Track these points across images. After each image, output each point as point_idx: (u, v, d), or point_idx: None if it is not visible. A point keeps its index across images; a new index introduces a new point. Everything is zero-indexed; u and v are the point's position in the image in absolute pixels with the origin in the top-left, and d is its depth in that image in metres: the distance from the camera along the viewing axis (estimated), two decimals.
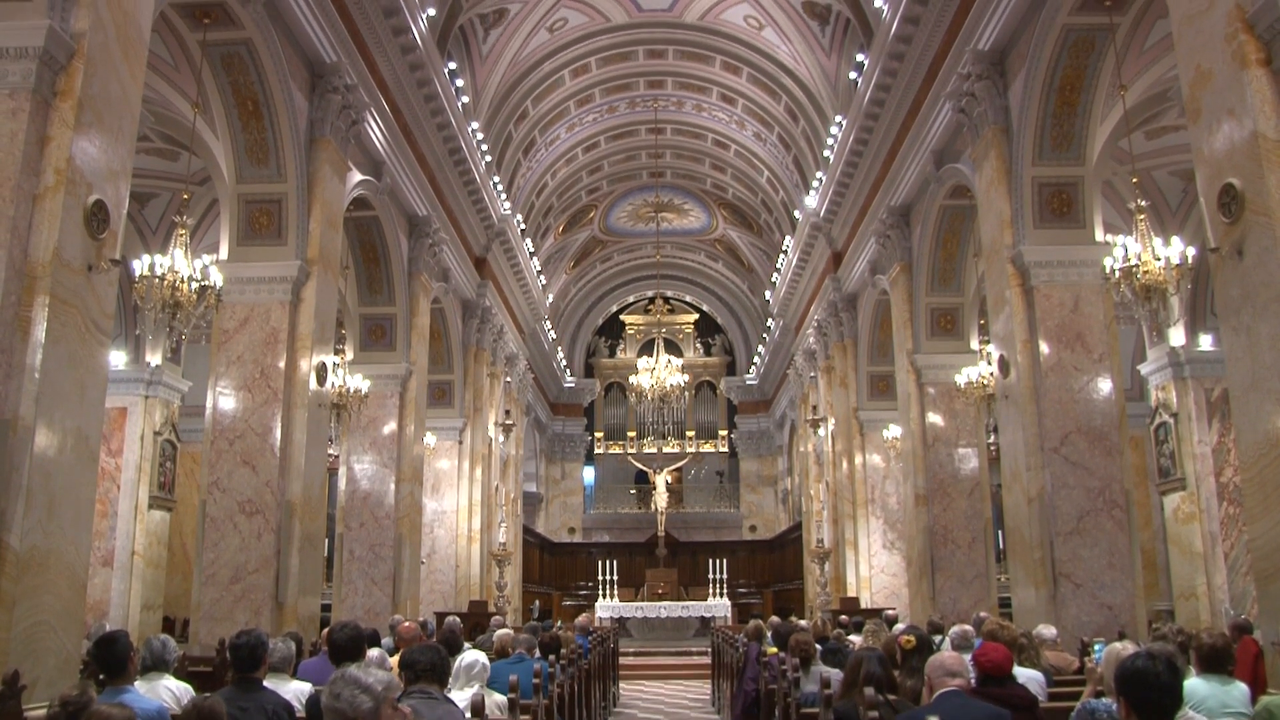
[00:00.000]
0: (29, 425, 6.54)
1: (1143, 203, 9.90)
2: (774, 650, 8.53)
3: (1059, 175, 12.07)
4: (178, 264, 9.28)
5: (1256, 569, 7.40)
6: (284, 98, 11.60)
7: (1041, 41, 11.26)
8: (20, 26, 6.97)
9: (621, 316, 39.81)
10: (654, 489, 29.52)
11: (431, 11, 15.81)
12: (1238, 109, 7.19)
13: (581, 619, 13.80)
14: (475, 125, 19.34)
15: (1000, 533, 17.41)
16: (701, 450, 37.28)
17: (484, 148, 19.90)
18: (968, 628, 7.81)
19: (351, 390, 14.53)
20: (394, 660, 7.06)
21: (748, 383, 38.56)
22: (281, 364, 11.62)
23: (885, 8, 15.13)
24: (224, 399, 11.56)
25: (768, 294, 30.18)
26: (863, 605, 18.77)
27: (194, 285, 9.36)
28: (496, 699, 5.79)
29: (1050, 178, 12.08)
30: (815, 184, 21.63)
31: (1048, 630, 8.24)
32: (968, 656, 5.46)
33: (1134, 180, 10.58)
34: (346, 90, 12.86)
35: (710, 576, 25.60)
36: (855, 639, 10.18)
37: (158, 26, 9.50)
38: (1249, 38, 7.12)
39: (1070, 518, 11.27)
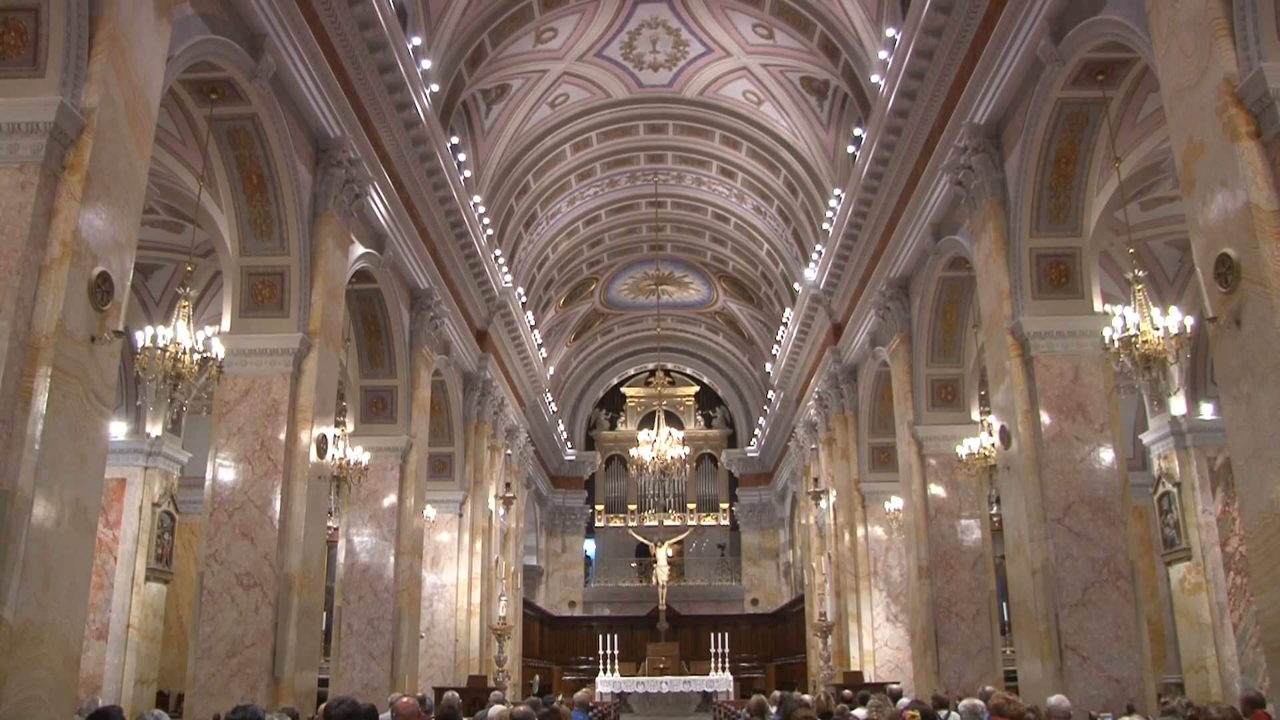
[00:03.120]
0: (27, 496, 6.52)
1: (1140, 273, 9.94)
2: None
3: (1056, 246, 12.15)
4: (180, 335, 9.31)
5: (1266, 641, 7.32)
6: (288, 171, 11.73)
7: (1036, 115, 11.41)
8: (32, 102, 7.12)
9: (622, 389, 39.82)
10: (655, 562, 29.32)
11: (435, 87, 16.06)
12: (1230, 180, 7.28)
13: (582, 694, 13.61)
14: (477, 199, 19.55)
15: (1005, 605, 17.25)
16: (703, 523, 37.05)
17: (485, 221, 20.08)
18: (977, 702, 7.70)
19: (352, 462, 14.47)
20: None
21: (749, 455, 38.45)
22: (282, 436, 11.60)
23: (882, 83, 15.38)
24: (224, 470, 11.52)
25: (768, 366, 30.23)
26: (866, 679, 18.52)
27: (196, 357, 9.37)
28: None
29: (1048, 249, 12.16)
30: (815, 257, 21.79)
31: (1059, 703, 8.10)
32: None
33: (1131, 251, 10.62)
34: (350, 164, 13.01)
35: (712, 650, 25.34)
36: (859, 714, 10.04)
37: (165, 101, 9.65)
38: (1239, 111, 7.24)
39: (1075, 589, 11.16)
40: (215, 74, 10.43)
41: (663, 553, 28.62)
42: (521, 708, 8.51)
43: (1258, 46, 7.24)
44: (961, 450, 15.00)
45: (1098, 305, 12.01)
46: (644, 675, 25.48)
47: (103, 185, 7.40)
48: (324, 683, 14.84)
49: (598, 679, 24.19)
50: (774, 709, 10.70)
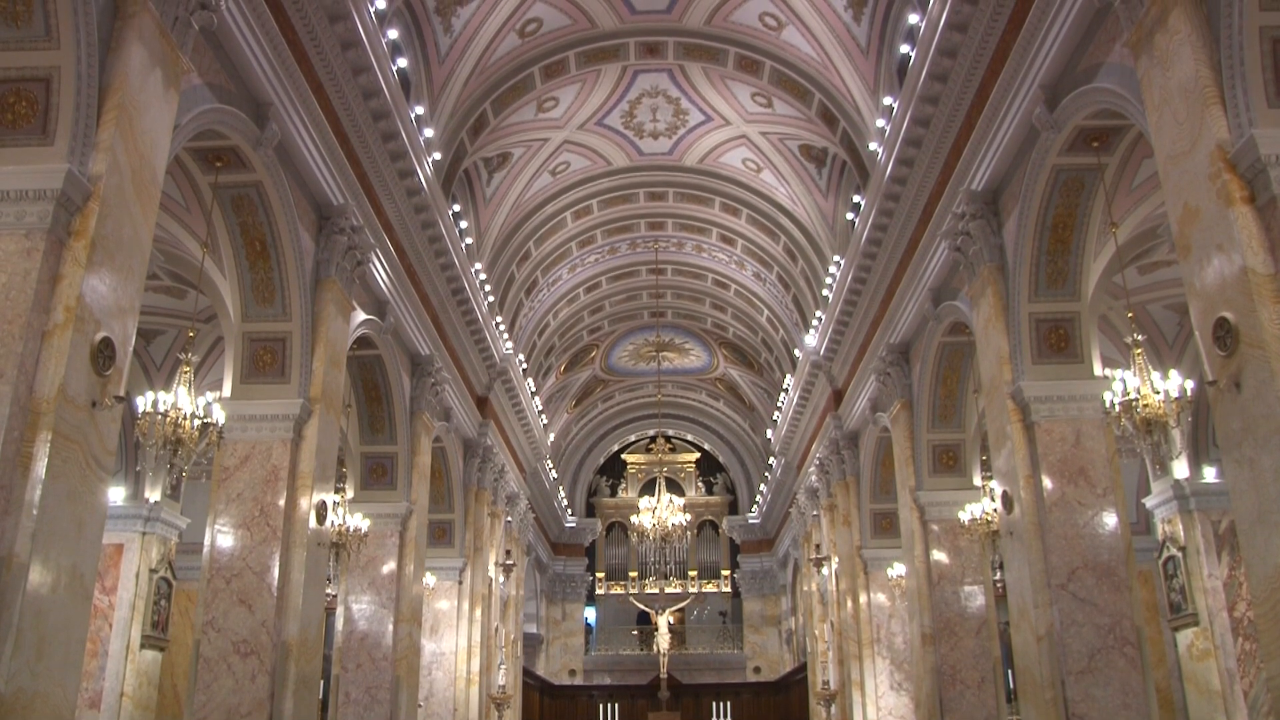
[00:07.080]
0: (24, 562, 6.47)
1: (1139, 337, 9.96)
2: None
3: (1055, 311, 12.19)
4: (181, 401, 9.30)
5: (1278, 708, 7.21)
6: (291, 238, 11.81)
7: (1033, 181, 11.51)
8: (40, 170, 7.20)
9: (623, 455, 39.77)
10: (656, 630, 29.00)
11: (437, 155, 16.25)
12: (1226, 245, 7.34)
13: None
14: (478, 266, 19.67)
15: (1010, 672, 17.02)
16: (704, 590, 36.80)
17: (487, 288, 20.19)
18: None
19: (351, 529, 14.39)
20: None
21: (750, 522, 38.26)
22: (281, 502, 11.53)
23: (880, 151, 15.55)
24: (222, 537, 11.44)
25: (769, 432, 30.17)
26: None
27: (196, 422, 9.36)
28: None
29: (1047, 314, 12.20)
30: (815, 323, 21.86)
31: None
32: None
33: (1129, 315, 10.65)
34: (353, 231, 13.11)
35: None
36: None
37: (170, 168, 9.76)
38: (1232, 176, 7.33)
39: (1081, 656, 11.02)
40: (220, 142, 10.55)
41: (664, 620, 28.31)
42: None
43: (1248, 114, 7.35)
44: (964, 516, 14.92)
45: (1098, 369, 12.02)
46: None
47: (107, 251, 7.45)
48: None
49: None
50: None
